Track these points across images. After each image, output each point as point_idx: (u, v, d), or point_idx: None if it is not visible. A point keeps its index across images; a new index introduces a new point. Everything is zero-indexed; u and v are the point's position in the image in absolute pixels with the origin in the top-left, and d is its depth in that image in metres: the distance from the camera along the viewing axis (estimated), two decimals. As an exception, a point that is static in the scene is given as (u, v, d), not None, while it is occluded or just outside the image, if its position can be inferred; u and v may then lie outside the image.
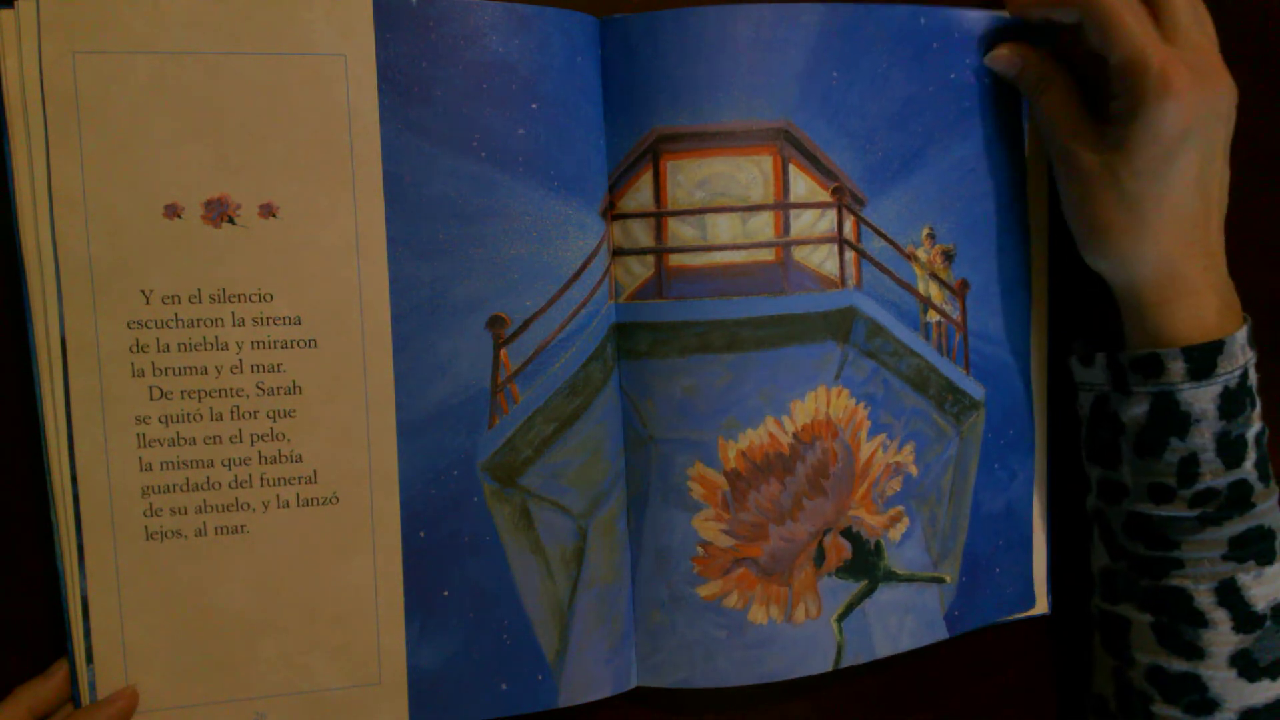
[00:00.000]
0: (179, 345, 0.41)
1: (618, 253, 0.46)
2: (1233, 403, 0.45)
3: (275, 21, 0.41)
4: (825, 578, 0.48)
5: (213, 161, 0.41)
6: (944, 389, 0.49)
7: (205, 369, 0.42)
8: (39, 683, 0.42)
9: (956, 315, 0.49)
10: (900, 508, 0.49)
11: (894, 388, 0.48)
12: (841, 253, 0.46)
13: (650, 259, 0.45)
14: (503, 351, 0.44)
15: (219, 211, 0.41)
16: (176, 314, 0.41)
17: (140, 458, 0.41)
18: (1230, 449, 0.45)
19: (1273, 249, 0.54)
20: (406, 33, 0.42)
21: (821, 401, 0.47)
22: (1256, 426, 0.46)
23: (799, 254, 0.46)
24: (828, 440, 0.47)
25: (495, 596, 0.45)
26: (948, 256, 0.49)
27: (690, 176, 0.45)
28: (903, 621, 0.50)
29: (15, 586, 0.44)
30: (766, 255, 0.45)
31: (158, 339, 0.41)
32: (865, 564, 0.49)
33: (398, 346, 0.43)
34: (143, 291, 0.41)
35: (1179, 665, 0.46)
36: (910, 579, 0.49)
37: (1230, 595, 0.45)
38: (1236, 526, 0.45)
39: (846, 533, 0.48)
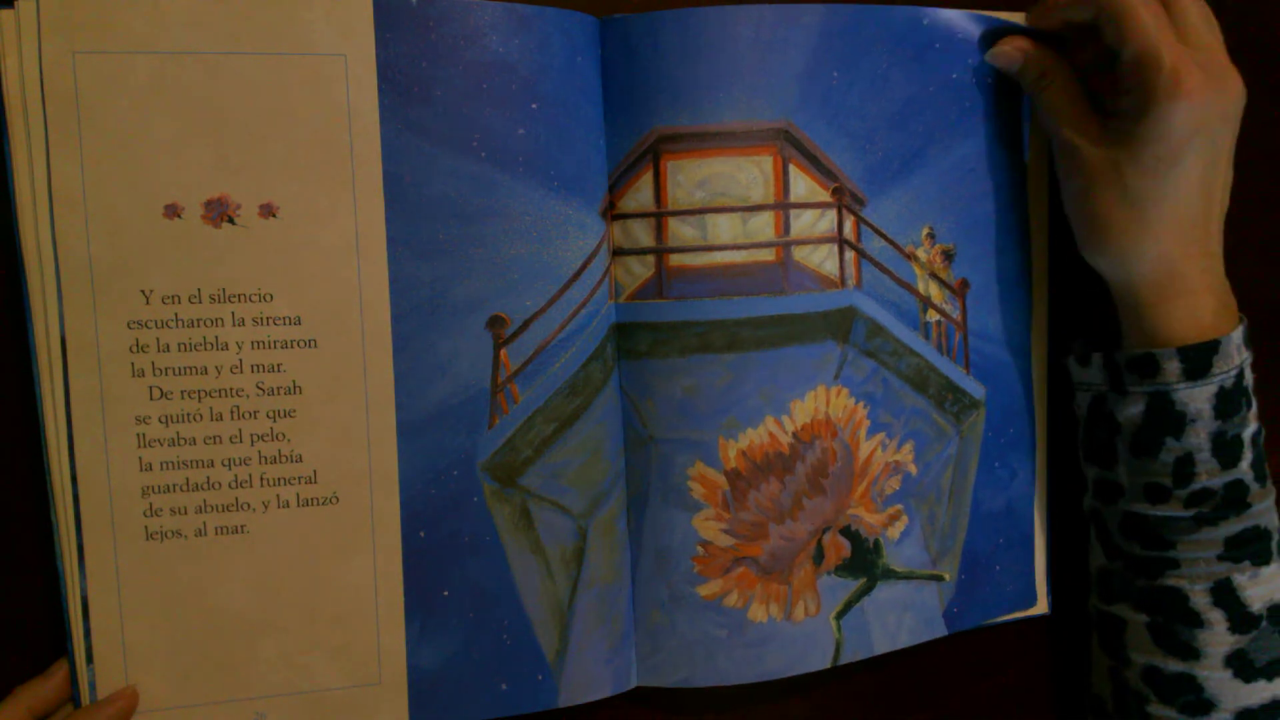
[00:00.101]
0: (179, 345, 0.41)
1: (618, 253, 0.46)
2: (1228, 403, 0.45)
3: (275, 21, 0.41)
4: (824, 576, 0.48)
5: (213, 161, 0.41)
6: (944, 388, 0.49)
7: (205, 369, 0.42)
8: (39, 683, 0.42)
9: (956, 315, 0.49)
10: (899, 506, 0.49)
11: (893, 387, 0.48)
12: (841, 253, 0.46)
13: (650, 259, 0.45)
14: (503, 351, 0.44)
15: (219, 211, 0.41)
16: (176, 314, 0.41)
17: (140, 458, 0.41)
18: (1226, 449, 0.45)
19: (1273, 249, 0.54)
20: (406, 33, 0.42)
21: (821, 401, 0.47)
22: (1253, 426, 0.46)
23: (799, 254, 0.46)
24: (827, 439, 0.47)
25: (495, 596, 0.45)
26: (948, 256, 0.49)
27: (690, 176, 0.45)
28: (901, 619, 0.50)
29: (15, 586, 0.44)
30: (766, 255, 0.45)
31: (158, 339, 0.41)
32: (864, 562, 0.49)
33: (398, 346, 0.43)
34: (143, 291, 0.41)
35: (1174, 665, 0.46)
36: (909, 576, 0.50)
37: (1226, 596, 0.45)
38: (1232, 527, 0.45)
39: (845, 531, 0.48)
